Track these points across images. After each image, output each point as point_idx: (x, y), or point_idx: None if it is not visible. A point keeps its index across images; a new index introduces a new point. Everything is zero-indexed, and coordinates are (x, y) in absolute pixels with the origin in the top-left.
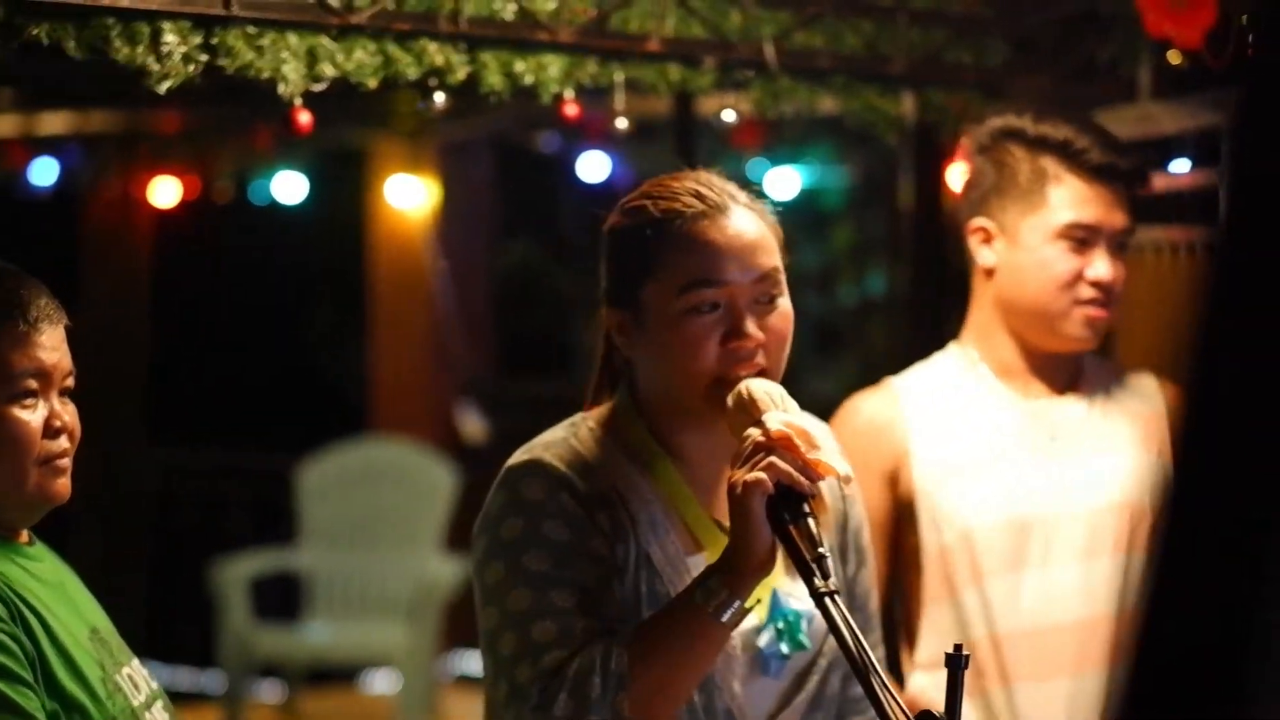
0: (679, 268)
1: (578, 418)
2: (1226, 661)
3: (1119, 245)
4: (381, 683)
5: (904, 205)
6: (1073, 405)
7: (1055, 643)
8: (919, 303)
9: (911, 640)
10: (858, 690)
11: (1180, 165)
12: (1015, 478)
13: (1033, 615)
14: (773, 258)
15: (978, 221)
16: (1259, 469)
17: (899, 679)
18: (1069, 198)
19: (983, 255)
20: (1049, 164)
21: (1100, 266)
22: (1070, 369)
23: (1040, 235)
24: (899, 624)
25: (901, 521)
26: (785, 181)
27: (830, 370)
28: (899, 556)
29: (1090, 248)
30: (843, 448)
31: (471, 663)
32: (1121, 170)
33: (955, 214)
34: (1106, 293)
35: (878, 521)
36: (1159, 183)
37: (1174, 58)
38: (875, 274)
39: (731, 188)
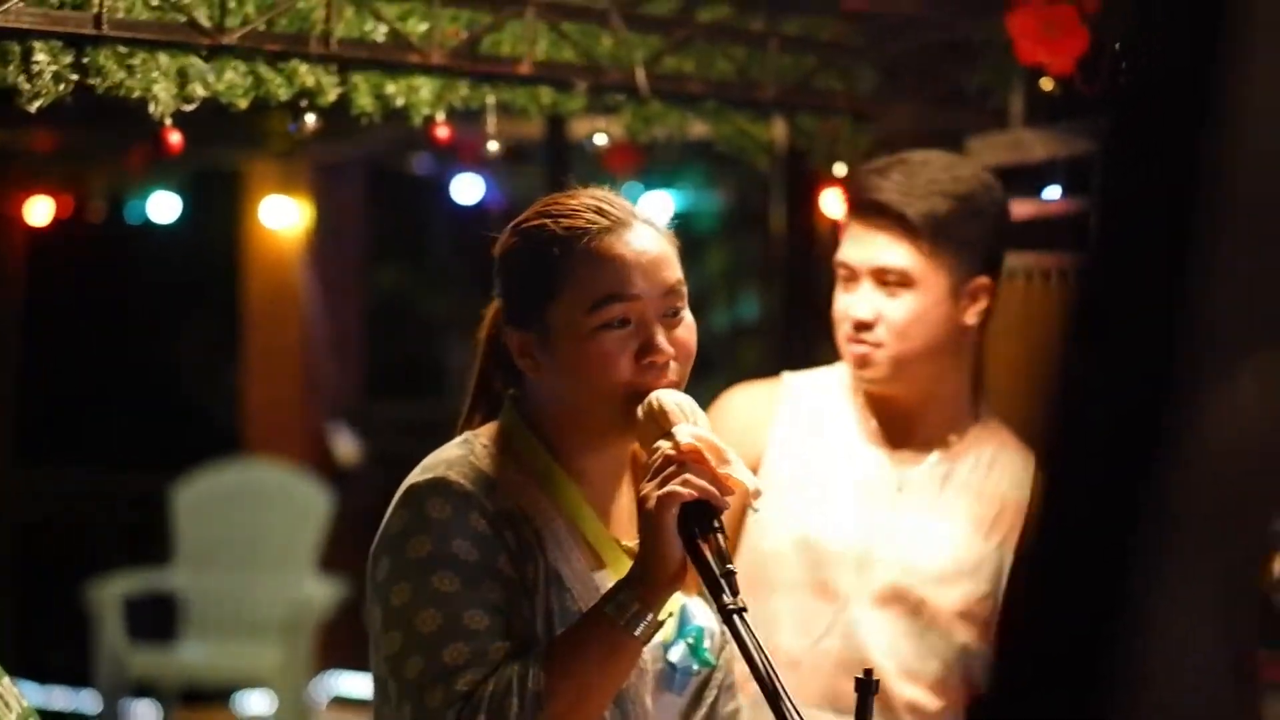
0: (587, 284)
1: (469, 435)
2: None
3: (893, 282)
4: (256, 703)
5: (776, 230)
6: (933, 466)
7: (822, 675)
8: (790, 327)
9: None
10: (729, 709)
11: (1052, 192)
12: (845, 513)
13: (812, 644)
14: (675, 271)
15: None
16: (1124, 484)
17: None
18: (847, 237)
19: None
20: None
21: (856, 305)
22: (947, 425)
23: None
24: None
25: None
26: (658, 206)
27: (702, 393)
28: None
29: (853, 284)
30: (713, 429)
31: (345, 684)
32: (895, 211)
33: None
34: (868, 330)
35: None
36: (1029, 209)
37: (1046, 84)
38: (747, 298)
39: (627, 204)
